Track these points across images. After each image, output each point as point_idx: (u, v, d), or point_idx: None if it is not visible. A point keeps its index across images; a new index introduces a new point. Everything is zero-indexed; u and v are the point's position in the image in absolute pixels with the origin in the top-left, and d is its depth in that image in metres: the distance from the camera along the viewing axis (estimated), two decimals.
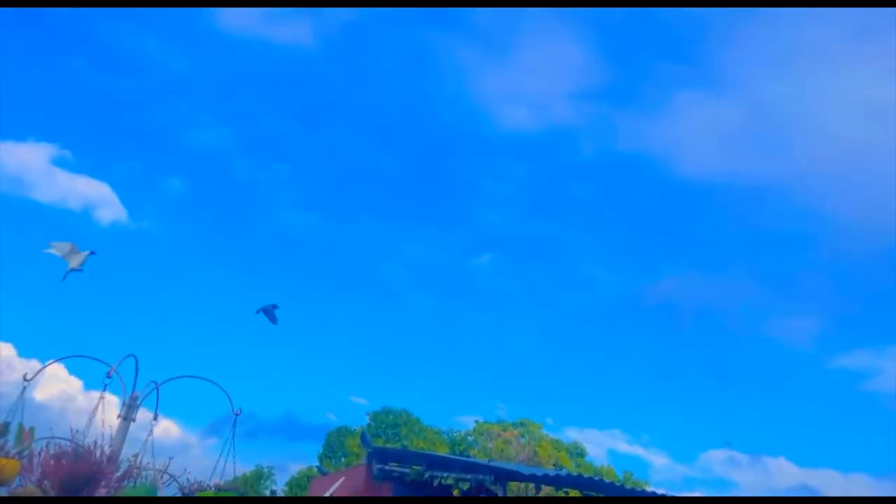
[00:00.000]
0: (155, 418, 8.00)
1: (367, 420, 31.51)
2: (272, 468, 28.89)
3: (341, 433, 30.65)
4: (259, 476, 27.85)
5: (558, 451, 28.09)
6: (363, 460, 10.49)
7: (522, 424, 30.17)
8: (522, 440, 28.25)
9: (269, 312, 9.42)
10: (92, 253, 8.78)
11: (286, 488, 26.66)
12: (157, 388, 8.13)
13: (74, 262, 8.63)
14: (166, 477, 7.21)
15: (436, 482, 7.94)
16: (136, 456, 7.16)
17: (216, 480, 7.33)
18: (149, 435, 7.66)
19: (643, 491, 7.07)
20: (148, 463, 7.22)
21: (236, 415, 8.20)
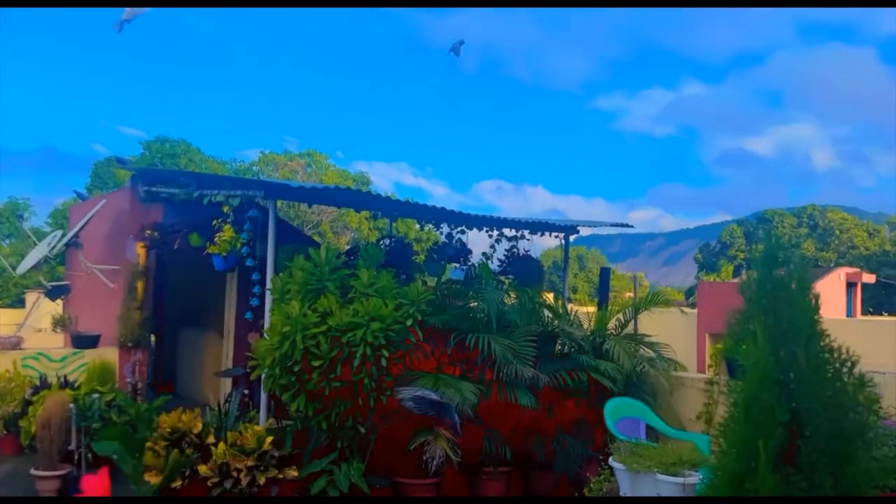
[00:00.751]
0: None
1: (140, 150, 29.29)
2: (28, 200, 26.30)
3: (111, 163, 28.33)
4: (14, 208, 25.31)
5: (344, 182, 29.01)
6: (128, 183, 9.79)
7: (309, 155, 30.24)
8: (309, 170, 28.54)
9: None
10: None
11: (49, 220, 24.77)
12: None
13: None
14: None
15: (206, 200, 7.70)
16: None
17: None
18: None
19: (408, 202, 7.51)
20: None
21: None
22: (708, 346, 13.66)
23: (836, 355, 1.58)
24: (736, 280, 22.16)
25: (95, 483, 1.13)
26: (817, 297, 1.63)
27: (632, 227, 9.24)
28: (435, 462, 5.68)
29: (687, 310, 16.39)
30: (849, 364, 1.57)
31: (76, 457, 6.59)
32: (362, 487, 5.32)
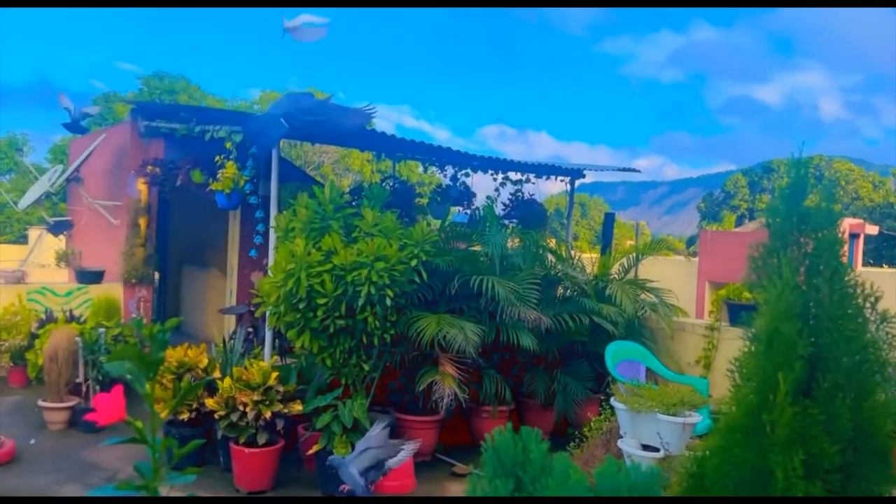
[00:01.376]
0: None
1: (138, 85, 28.76)
2: (27, 135, 25.97)
3: (109, 99, 27.86)
4: (13, 143, 25.02)
5: None
6: (127, 118, 9.63)
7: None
8: None
9: None
10: None
11: (48, 156, 24.52)
12: None
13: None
14: None
15: (207, 136, 7.57)
16: None
17: None
18: None
19: (415, 141, 7.38)
20: None
21: None
22: (708, 294, 13.73)
23: (859, 291, 1.55)
24: (738, 229, 22.11)
25: (108, 401, 1.14)
26: (842, 231, 1.59)
27: (638, 171, 9.15)
28: (445, 402, 5.77)
29: (689, 258, 16.42)
30: (872, 300, 1.54)
31: (84, 389, 6.70)
32: (364, 423, 5.41)
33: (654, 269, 8.78)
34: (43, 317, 7.85)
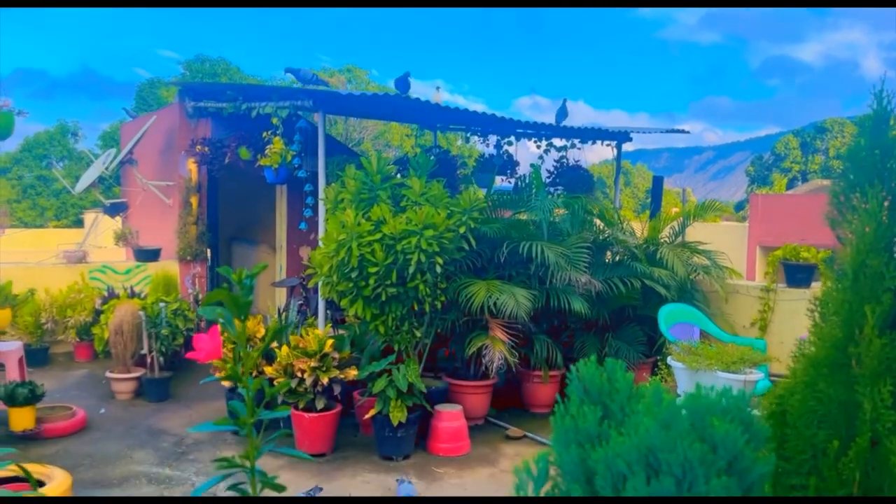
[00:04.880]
0: None
1: (180, 71, 29.21)
2: (77, 123, 26.73)
3: (154, 85, 28.43)
4: (63, 131, 25.81)
5: None
6: (175, 100, 9.83)
7: (349, 70, 29.70)
8: (350, 86, 28.10)
9: None
10: None
11: (99, 142, 25.22)
12: None
13: None
14: None
15: (254, 113, 7.68)
16: None
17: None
18: None
19: (462, 109, 7.35)
20: None
21: None
22: (759, 258, 13.40)
23: None
24: (790, 192, 21.41)
25: (207, 340, 1.19)
26: None
27: (687, 132, 8.92)
28: (495, 365, 5.81)
29: (740, 221, 16.03)
30: None
31: (148, 360, 6.98)
32: (419, 386, 5.50)
33: (703, 235, 8.62)
34: (105, 294, 8.17)
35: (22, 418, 5.56)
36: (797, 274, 7.22)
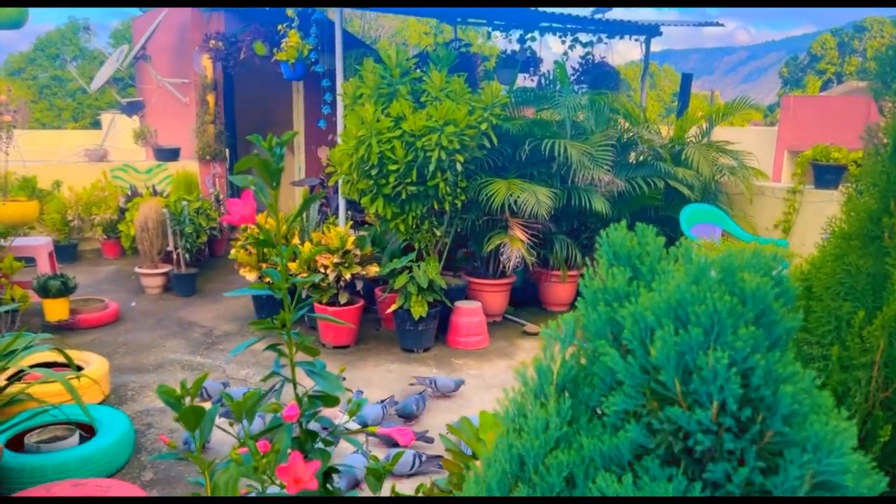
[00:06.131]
0: None
1: None
2: (87, 20, 26.10)
3: None
4: (75, 29, 25.26)
5: None
6: None
7: None
8: None
9: None
10: None
11: (111, 40, 24.69)
12: None
13: None
14: None
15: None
16: None
17: None
18: None
19: None
20: None
21: None
22: (786, 164, 13.09)
23: None
24: (824, 93, 20.58)
25: (241, 204, 1.18)
26: None
27: (721, 24, 8.48)
28: (512, 263, 5.86)
29: (767, 128, 15.54)
30: None
31: (175, 257, 7.13)
32: (439, 282, 5.58)
33: (731, 139, 8.37)
34: (129, 192, 8.26)
35: (56, 309, 5.77)
36: (826, 175, 7.04)
